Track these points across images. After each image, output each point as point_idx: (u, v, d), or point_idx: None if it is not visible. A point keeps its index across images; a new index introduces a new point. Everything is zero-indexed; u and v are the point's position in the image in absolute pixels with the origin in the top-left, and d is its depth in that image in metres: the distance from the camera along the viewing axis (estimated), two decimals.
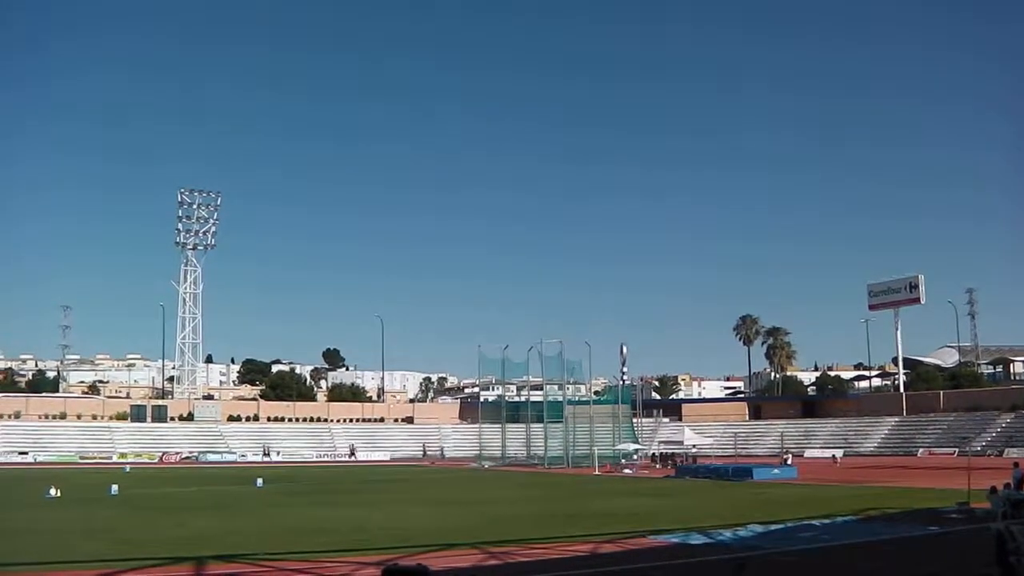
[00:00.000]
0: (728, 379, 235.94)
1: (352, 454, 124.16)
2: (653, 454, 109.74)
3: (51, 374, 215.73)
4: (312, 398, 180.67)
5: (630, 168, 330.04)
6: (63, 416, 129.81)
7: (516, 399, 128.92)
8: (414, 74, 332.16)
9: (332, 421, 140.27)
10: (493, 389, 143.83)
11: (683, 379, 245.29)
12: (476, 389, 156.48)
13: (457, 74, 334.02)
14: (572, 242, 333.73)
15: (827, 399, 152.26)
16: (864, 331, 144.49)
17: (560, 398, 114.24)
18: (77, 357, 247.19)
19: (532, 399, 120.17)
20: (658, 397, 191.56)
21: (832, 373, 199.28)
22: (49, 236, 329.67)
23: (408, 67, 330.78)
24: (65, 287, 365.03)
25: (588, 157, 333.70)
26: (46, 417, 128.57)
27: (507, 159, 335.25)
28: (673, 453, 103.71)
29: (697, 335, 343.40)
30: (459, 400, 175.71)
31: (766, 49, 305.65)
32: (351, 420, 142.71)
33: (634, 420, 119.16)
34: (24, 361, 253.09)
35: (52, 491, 54.87)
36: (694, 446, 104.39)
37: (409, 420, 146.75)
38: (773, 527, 35.26)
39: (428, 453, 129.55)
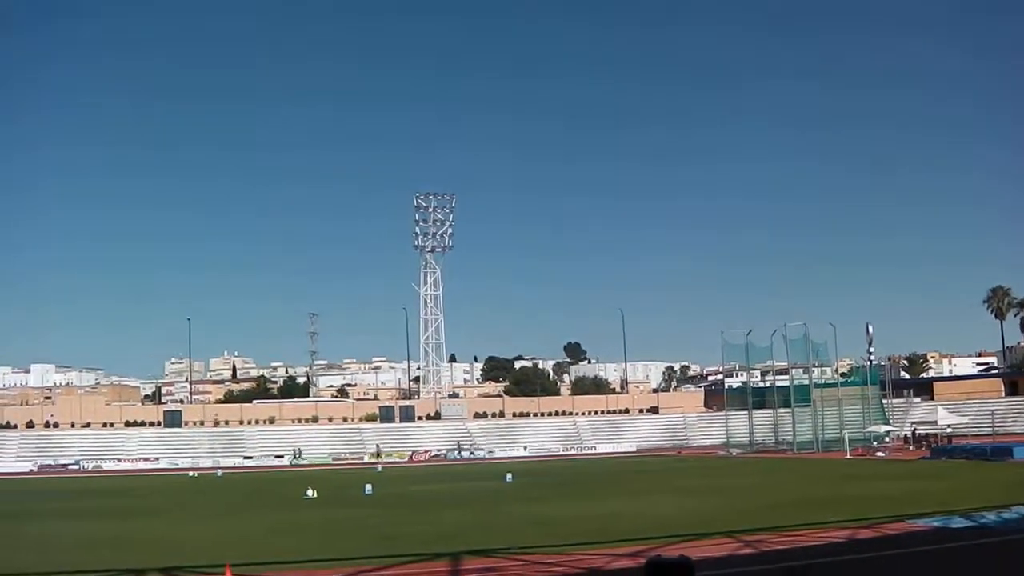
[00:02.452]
0: (980, 355, 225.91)
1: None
2: (906, 435, 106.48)
3: (301, 380, 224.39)
4: (556, 392, 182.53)
5: (870, 142, 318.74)
6: (315, 420, 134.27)
7: (761, 384, 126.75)
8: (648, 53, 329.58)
9: (576, 414, 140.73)
10: (737, 375, 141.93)
11: (932, 357, 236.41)
12: (720, 376, 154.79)
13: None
14: (811, 220, 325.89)
15: None
16: None
17: (806, 381, 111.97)
18: (325, 362, 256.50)
19: (778, 383, 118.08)
20: (907, 377, 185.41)
21: None
22: (295, 248, 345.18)
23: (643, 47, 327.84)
24: (311, 295, 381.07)
25: (821, 125, 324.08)
26: (299, 421, 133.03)
27: (732, 135, 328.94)
28: (927, 433, 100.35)
29: (945, 311, 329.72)
30: (703, 388, 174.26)
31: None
32: (595, 412, 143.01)
33: (884, 401, 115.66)
34: (275, 368, 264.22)
35: (309, 492, 56.73)
36: (948, 426, 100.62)
37: (654, 410, 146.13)
38: None
39: (674, 443, 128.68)
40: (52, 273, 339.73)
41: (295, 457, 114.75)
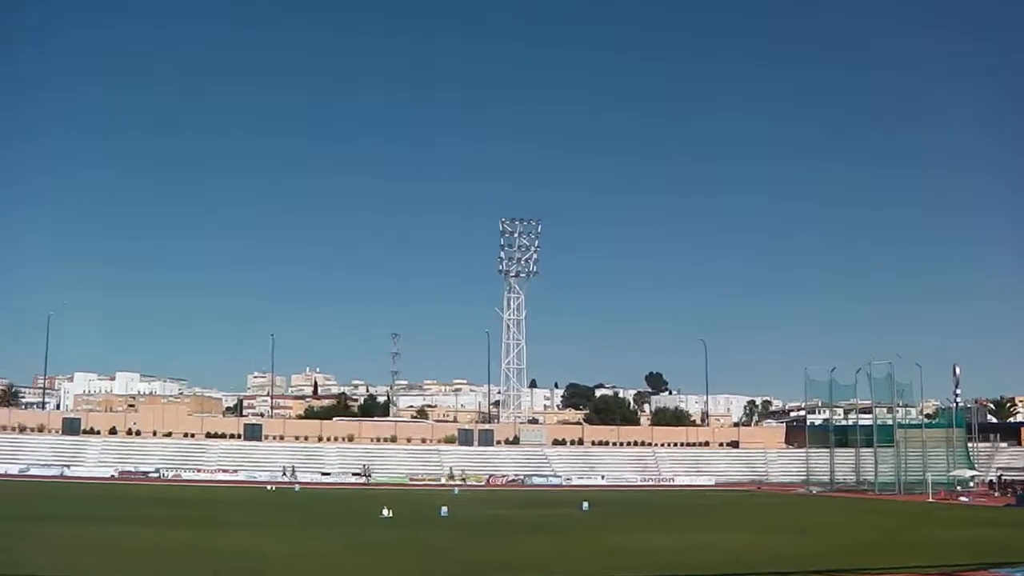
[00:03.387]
0: None
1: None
2: (991, 481, 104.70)
3: (381, 399, 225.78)
4: (636, 422, 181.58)
5: (959, 181, 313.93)
6: (394, 439, 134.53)
7: (844, 422, 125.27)
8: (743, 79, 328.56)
9: (656, 445, 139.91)
10: (820, 412, 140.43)
11: (1021, 401, 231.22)
12: (802, 412, 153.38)
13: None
14: (900, 260, 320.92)
15: None
16: None
17: (890, 421, 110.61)
18: (406, 382, 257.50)
19: (861, 422, 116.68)
20: (994, 420, 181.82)
21: None
22: (377, 269, 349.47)
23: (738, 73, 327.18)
24: (394, 316, 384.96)
25: (907, 163, 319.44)
26: (378, 440, 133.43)
27: (814, 170, 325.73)
28: (1013, 480, 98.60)
29: None
30: (785, 424, 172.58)
31: None
32: (675, 444, 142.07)
33: (969, 444, 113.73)
34: (356, 386, 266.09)
35: (385, 511, 56.89)
36: None
37: (734, 444, 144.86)
38: None
39: (754, 478, 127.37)
40: (141, 289, 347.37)
41: (287, 475, 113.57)
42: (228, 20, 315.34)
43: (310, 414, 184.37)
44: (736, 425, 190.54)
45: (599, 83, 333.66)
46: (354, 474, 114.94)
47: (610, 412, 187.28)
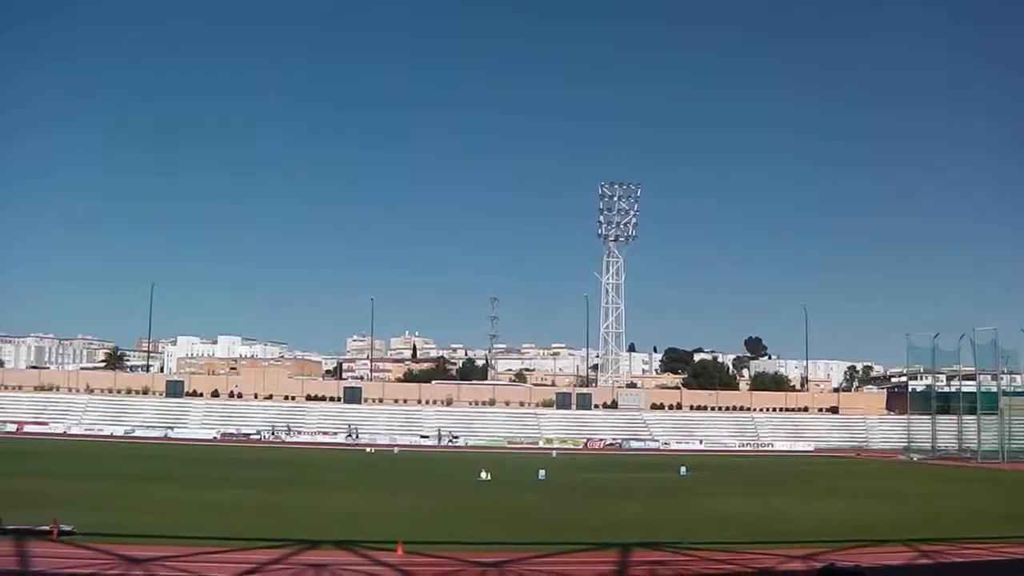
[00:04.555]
0: None
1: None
2: None
3: (480, 362, 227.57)
4: (734, 387, 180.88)
5: None
6: (492, 403, 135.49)
7: (946, 389, 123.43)
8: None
9: (754, 410, 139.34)
10: (922, 378, 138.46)
11: None
12: (904, 378, 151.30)
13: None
14: (1005, 226, 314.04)
15: None
16: None
17: (994, 388, 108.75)
18: (504, 346, 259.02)
19: (964, 389, 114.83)
20: None
21: None
22: (476, 233, 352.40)
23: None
24: (494, 280, 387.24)
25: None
26: (476, 403, 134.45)
27: (929, 156, 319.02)
28: None
29: None
30: (886, 390, 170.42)
31: None
32: (774, 409, 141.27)
33: None
34: (455, 350, 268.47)
35: (483, 474, 57.52)
36: None
37: (833, 410, 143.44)
38: None
39: (853, 444, 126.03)
40: (244, 256, 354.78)
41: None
42: None
43: (409, 377, 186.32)
44: (836, 391, 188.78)
45: (701, 57, 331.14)
46: (346, 436, 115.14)
47: (709, 377, 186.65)
